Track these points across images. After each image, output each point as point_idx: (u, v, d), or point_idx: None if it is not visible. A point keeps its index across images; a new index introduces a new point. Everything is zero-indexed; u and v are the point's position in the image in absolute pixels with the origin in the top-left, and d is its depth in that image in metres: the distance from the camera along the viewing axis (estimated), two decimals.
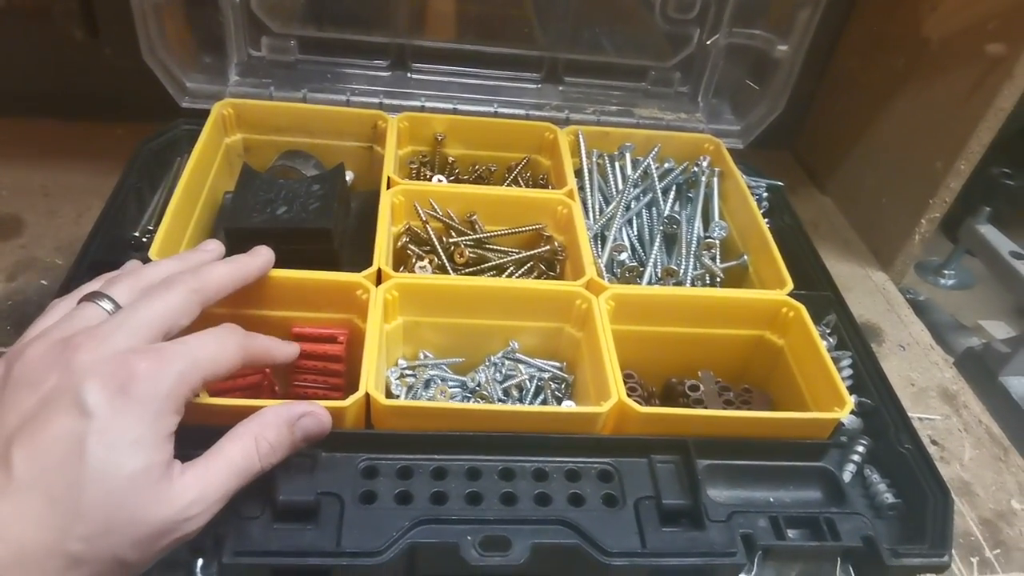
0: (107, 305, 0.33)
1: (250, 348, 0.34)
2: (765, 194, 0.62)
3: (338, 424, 0.36)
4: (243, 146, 0.58)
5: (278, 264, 0.44)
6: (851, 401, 0.38)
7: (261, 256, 0.41)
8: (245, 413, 0.33)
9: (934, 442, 0.61)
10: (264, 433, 0.32)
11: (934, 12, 0.70)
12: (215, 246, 0.41)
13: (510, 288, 0.44)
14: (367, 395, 0.36)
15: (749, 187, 0.57)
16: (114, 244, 0.49)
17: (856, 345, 0.48)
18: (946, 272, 0.83)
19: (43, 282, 0.61)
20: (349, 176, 0.58)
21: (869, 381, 0.45)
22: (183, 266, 0.36)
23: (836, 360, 0.47)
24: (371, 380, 0.36)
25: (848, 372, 0.46)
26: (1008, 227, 0.78)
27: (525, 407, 0.38)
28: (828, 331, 0.50)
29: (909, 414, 0.65)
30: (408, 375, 0.44)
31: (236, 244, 0.47)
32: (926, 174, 0.73)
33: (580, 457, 0.37)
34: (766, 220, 0.61)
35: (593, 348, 0.41)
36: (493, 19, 0.65)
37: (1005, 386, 0.67)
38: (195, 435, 0.31)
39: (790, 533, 0.35)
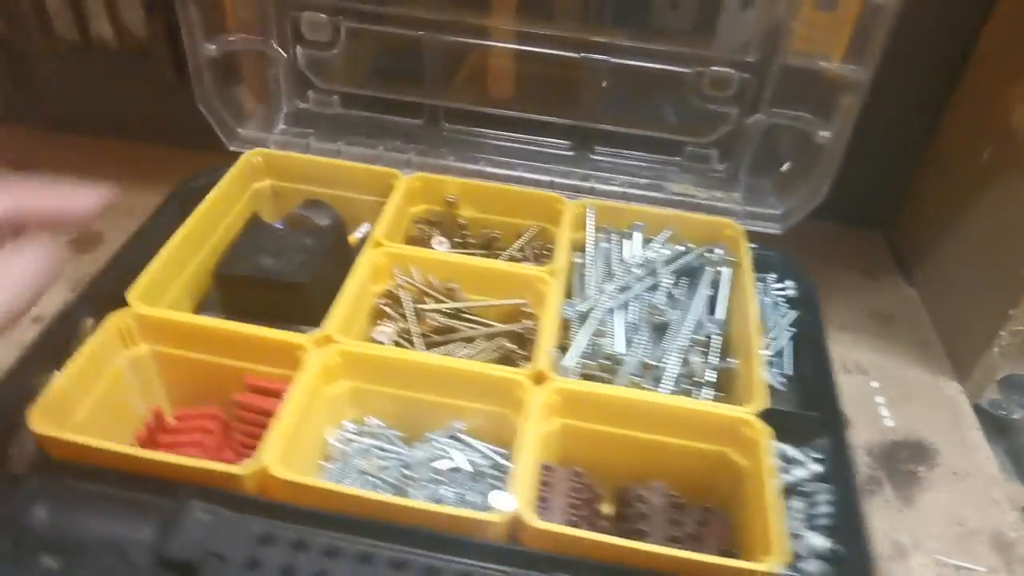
0: None
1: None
2: (793, 292, 0.57)
3: (236, 487, 0.36)
4: (271, 191, 0.62)
5: (264, 314, 0.46)
6: (782, 555, 0.33)
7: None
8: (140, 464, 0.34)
9: None
10: None
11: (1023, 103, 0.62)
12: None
13: (453, 368, 0.43)
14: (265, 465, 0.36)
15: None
16: (123, 281, 0.52)
17: (842, 479, 0.42)
18: None
19: None
20: (364, 229, 0.60)
21: (846, 523, 0.40)
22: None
23: (812, 494, 0.42)
24: (277, 449, 0.37)
25: (825, 509, 0.41)
26: None
27: (419, 504, 0.36)
28: (817, 456, 0.44)
29: (946, 559, 0.57)
30: (352, 439, 0.44)
31: (222, 288, 0.50)
32: (1011, 281, 0.64)
33: (475, 560, 0.35)
34: (793, 312, 0.56)
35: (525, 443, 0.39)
36: (527, 85, 0.65)
37: None
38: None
39: None
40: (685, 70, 0.60)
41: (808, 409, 0.47)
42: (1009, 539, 0.57)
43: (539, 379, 0.42)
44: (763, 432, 0.40)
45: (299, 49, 0.63)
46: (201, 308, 0.52)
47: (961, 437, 0.66)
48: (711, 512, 0.43)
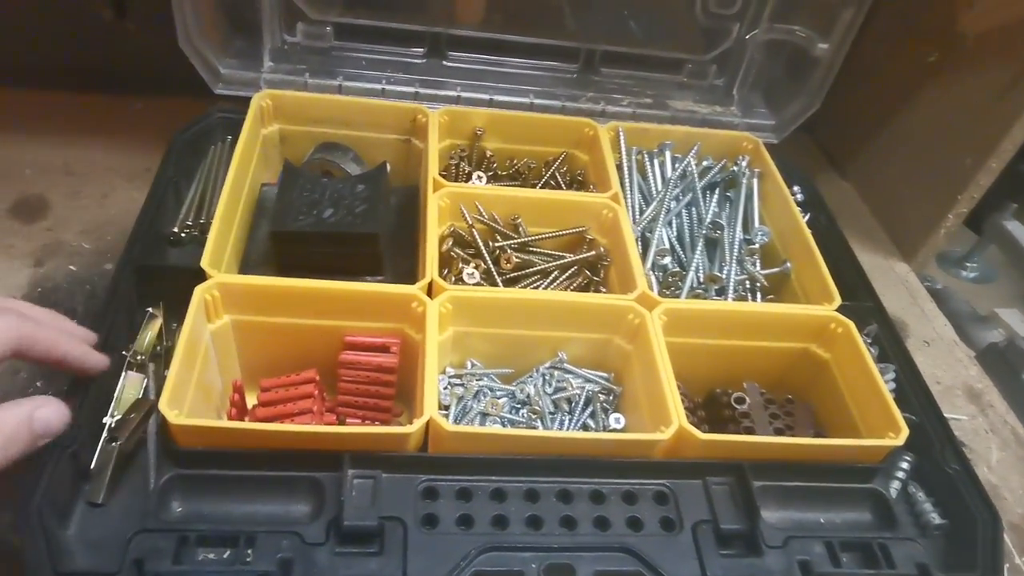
0: None
1: (24, 342, 0.32)
2: (800, 197, 0.62)
3: (400, 448, 0.36)
4: (279, 137, 0.57)
5: (325, 268, 0.44)
6: (906, 428, 0.39)
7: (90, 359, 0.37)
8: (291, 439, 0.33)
9: (961, 444, 0.62)
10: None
11: (971, 9, 0.69)
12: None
13: (563, 301, 0.44)
14: (429, 419, 0.36)
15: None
16: (155, 243, 0.48)
17: (898, 357, 0.48)
18: (968, 264, 0.83)
19: (71, 267, 0.59)
20: None
21: (912, 395, 0.46)
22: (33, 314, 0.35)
23: (880, 373, 0.48)
24: (434, 403, 0.36)
25: (891, 385, 0.47)
26: None
27: (585, 434, 0.38)
28: (869, 341, 0.50)
29: None
30: (456, 384, 0.45)
31: (282, 246, 0.47)
32: (955, 169, 0.72)
33: (635, 479, 0.37)
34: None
35: (647, 365, 0.42)
36: (530, 8, 0.64)
37: None
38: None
39: (844, 558, 0.36)
40: None
41: (848, 300, 0.53)
42: (977, 390, 0.67)
43: (649, 303, 0.44)
44: (849, 325, 0.44)
45: None
46: (245, 269, 0.49)
47: (920, 310, 0.76)
48: (794, 403, 0.47)
